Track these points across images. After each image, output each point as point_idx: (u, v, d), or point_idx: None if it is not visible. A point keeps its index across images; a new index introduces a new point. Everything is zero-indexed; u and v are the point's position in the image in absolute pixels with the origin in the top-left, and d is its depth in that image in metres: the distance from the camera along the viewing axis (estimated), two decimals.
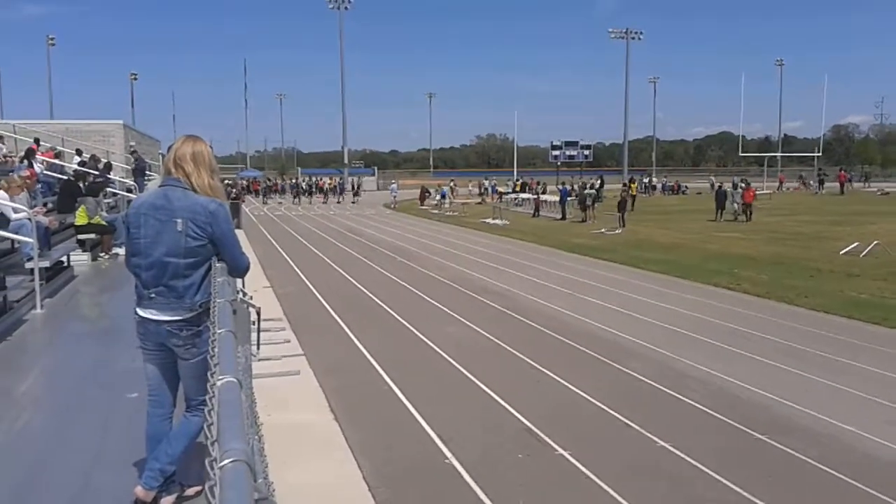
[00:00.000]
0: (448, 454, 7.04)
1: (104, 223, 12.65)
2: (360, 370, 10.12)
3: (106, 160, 20.21)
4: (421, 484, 6.47)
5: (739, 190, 36.21)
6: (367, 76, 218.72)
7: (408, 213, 43.74)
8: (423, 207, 47.78)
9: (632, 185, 44.75)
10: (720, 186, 38.94)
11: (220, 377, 1.55)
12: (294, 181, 65.53)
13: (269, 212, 45.96)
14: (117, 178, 19.73)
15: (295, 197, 58.43)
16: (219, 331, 2.13)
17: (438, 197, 46.35)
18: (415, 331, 12.31)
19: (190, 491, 3.66)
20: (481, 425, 7.94)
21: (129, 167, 21.51)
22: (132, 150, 24.59)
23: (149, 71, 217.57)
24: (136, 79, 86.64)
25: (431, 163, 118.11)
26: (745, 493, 6.21)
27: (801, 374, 9.77)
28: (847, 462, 6.88)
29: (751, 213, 34.19)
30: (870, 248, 21.75)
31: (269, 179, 71.30)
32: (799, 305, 14.45)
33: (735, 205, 34.91)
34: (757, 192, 37.25)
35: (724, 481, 6.46)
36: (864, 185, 66.30)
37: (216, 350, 1.89)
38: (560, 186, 41.17)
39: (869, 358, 10.53)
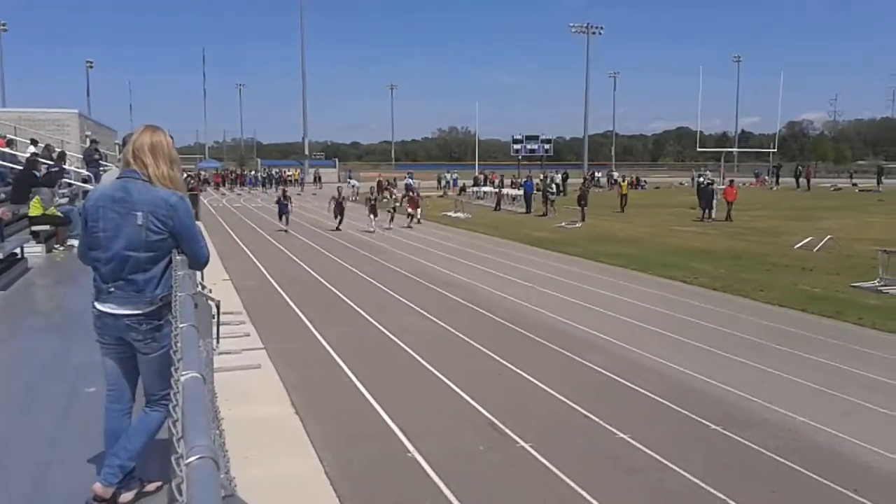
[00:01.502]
0: (411, 448, 7.04)
1: (59, 214, 12.40)
2: (322, 363, 10.07)
3: (60, 150, 19.78)
4: (383, 478, 6.47)
5: (715, 188, 35.50)
6: (328, 67, 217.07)
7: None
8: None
9: (623, 185, 41.04)
10: (710, 183, 36.69)
11: (185, 372, 1.54)
12: (267, 172, 65.84)
13: (228, 203, 45.41)
14: (73, 168, 19.33)
15: (264, 188, 59.27)
16: (181, 325, 2.11)
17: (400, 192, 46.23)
18: (376, 324, 12.29)
19: (150, 487, 3.61)
20: (444, 418, 7.96)
21: (89, 157, 21.04)
22: (92, 140, 24.07)
23: (105, 60, 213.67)
24: (91, 67, 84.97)
25: (393, 155, 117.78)
26: (702, 484, 6.32)
27: (757, 366, 9.95)
28: (804, 453, 7.03)
29: (730, 213, 32.00)
30: (823, 242, 22.24)
31: (235, 171, 70.92)
32: (755, 299, 14.73)
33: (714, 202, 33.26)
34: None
35: (683, 472, 6.57)
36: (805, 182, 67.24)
37: (179, 345, 1.87)
38: (524, 180, 41.32)
39: (824, 351, 10.77)
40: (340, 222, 28.25)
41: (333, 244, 23.78)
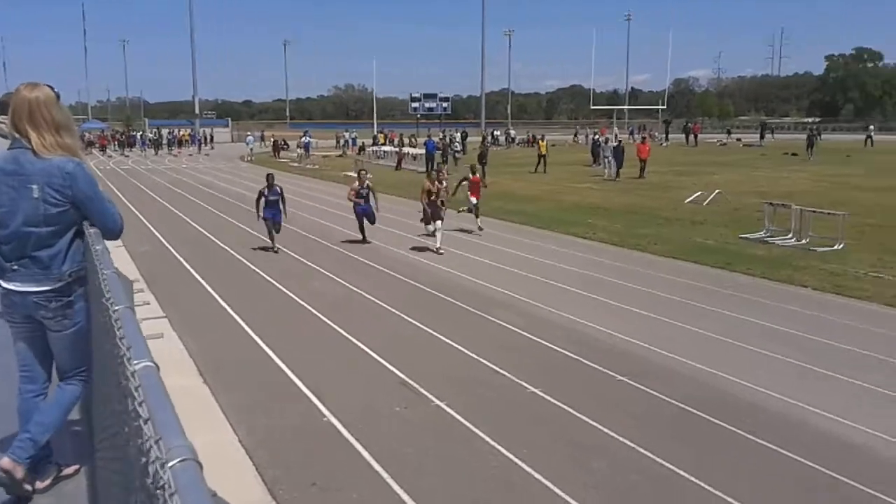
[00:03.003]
0: (326, 412, 6.98)
1: None
2: (227, 330, 9.81)
3: None
4: (301, 444, 6.39)
5: (612, 144, 35.69)
6: (218, 22, 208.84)
7: (266, 166, 42.49)
8: (281, 160, 46.63)
9: (541, 144, 38.61)
10: (620, 142, 36.16)
11: (137, 361, 1.44)
12: (158, 133, 62.97)
13: (115, 166, 43.41)
14: None
15: (155, 149, 56.67)
16: (116, 308, 1.98)
17: (299, 150, 45.25)
18: (281, 287, 12.07)
19: (68, 470, 3.44)
20: (357, 380, 7.92)
21: None
22: None
23: None
24: None
25: (288, 114, 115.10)
26: (613, 434, 6.55)
27: (660, 318, 10.33)
28: (707, 401, 7.37)
29: (644, 170, 31.95)
30: (712, 196, 23.24)
31: (123, 132, 67.58)
32: (651, 252, 15.28)
33: (607, 159, 33.33)
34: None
35: (593, 423, 6.78)
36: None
37: (120, 331, 1.75)
38: (425, 140, 41.17)
39: (719, 301, 11.29)
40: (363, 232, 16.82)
41: (232, 207, 23.09)
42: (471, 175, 18.81)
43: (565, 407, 7.16)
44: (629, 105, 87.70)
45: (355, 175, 17.53)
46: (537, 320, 10.23)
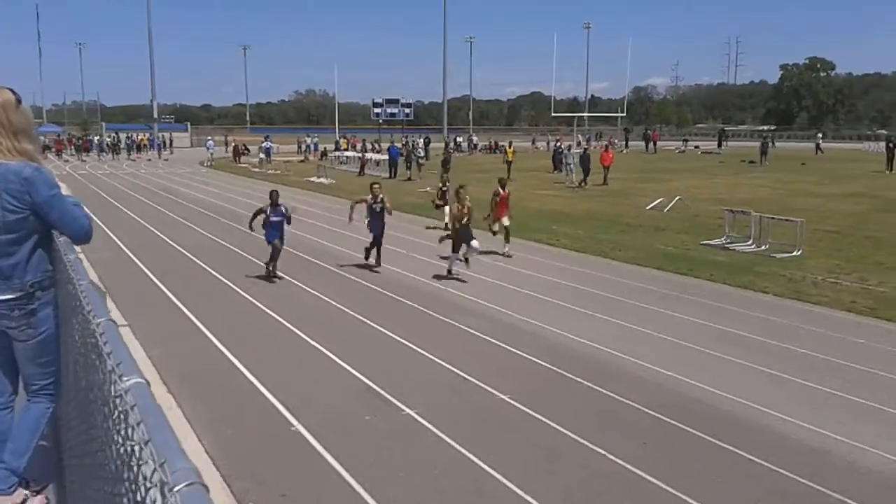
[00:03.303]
0: (294, 421, 6.91)
1: None
2: (189, 337, 9.68)
3: None
4: (268, 454, 6.32)
5: (575, 151, 35.65)
6: (177, 26, 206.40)
7: (226, 171, 42.10)
8: (242, 165, 46.18)
9: (508, 151, 38.72)
10: (586, 150, 36.00)
11: (127, 378, 1.39)
12: (116, 137, 61.83)
13: (72, 171, 42.58)
14: None
15: (113, 154, 55.85)
16: (98, 321, 1.92)
17: (261, 156, 44.77)
18: (245, 294, 11.93)
19: (36, 487, 3.34)
20: (323, 388, 7.85)
21: None
22: None
23: None
24: None
25: (248, 118, 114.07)
26: (578, 438, 6.58)
27: (622, 324, 10.44)
28: (670, 405, 7.45)
29: (606, 177, 31.82)
30: (673, 203, 23.54)
31: (80, 136, 66.27)
32: (614, 258, 15.42)
33: (570, 166, 33.39)
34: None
35: (559, 427, 6.80)
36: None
37: (106, 346, 1.70)
38: (389, 145, 41.05)
39: (681, 306, 11.44)
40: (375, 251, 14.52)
41: (192, 213, 22.78)
42: (501, 190, 16.35)
43: (532, 412, 7.18)
44: (589, 112, 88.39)
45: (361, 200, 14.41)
46: (502, 325, 10.26)
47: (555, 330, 10.07)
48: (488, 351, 9.23)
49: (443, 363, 8.63)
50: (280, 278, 13.06)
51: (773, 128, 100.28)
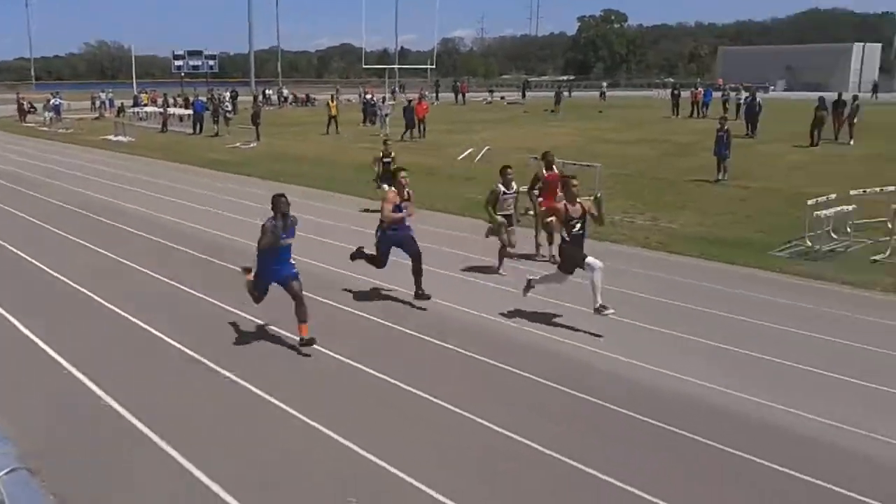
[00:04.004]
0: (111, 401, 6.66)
1: None
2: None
3: None
4: (72, 430, 6.07)
5: (390, 104, 35.63)
6: None
7: (11, 132, 38.44)
8: (29, 124, 42.36)
9: (332, 104, 35.39)
10: (410, 101, 34.18)
11: None
12: None
13: None
14: None
15: None
16: None
17: (48, 114, 41.12)
18: (46, 269, 11.10)
19: None
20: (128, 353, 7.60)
21: None
22: None
23: None
24: None
25: (33, 73, 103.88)
26: (444, 404, 6.84)
27: (443, 272, 10.82)
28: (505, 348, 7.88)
29: (424, 130, 32.32)
30: (482, 153, 24.31)
31: None
32: (432, 210, 15.75)
33: (385, 118, 34.25)
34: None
35: (412, 390, 7.04)
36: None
37: None
38: (193, 99, 39.02)
39: (490, 253, 11.95)
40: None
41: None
42: (544, 171, 12.25)
43: (392, 380, 7.36)
44: (399, 64, 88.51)
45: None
46: (321, 280, 10.29)
47: (373, 280, 10.23)
48: (335, 317, 9.27)
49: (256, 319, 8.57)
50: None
51: (571, 78, 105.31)
